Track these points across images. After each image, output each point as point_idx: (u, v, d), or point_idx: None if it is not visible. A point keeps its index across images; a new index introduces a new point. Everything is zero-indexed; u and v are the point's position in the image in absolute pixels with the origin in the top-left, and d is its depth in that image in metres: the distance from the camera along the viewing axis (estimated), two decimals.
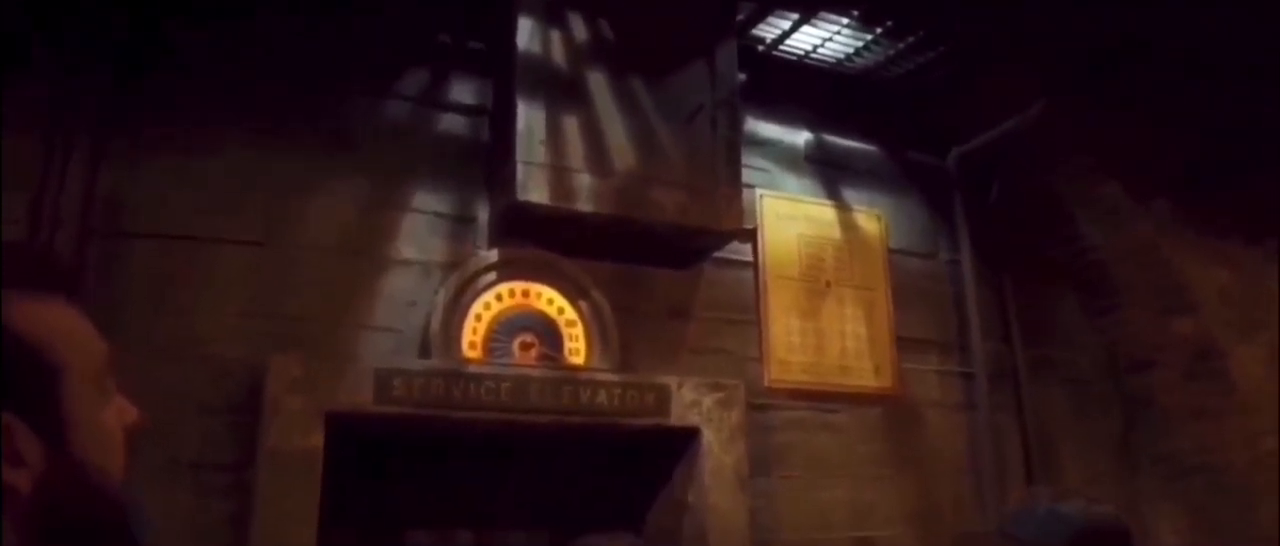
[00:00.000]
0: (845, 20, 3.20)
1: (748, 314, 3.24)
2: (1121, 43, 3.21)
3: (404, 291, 2.76)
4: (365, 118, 2.85)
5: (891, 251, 3.57)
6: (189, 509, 2.35)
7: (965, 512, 3.38)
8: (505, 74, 2.89)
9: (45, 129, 2.40)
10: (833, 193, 3.54)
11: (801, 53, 3.39)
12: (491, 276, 2.81)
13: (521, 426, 2.64)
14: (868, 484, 3.26)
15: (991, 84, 3.48)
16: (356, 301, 2.70)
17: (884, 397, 3.37)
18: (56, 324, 0.75)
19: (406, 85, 2.94)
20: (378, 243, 2.77)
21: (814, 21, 3.20)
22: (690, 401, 2.82)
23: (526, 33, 2.85)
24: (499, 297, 2.80)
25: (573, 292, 2.89)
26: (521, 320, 2.80)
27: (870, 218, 3.58)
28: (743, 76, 3.22)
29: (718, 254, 3.19)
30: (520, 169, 2.71)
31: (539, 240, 2.86)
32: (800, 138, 3.54)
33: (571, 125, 2.83)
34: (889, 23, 3.21)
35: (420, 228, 2.84)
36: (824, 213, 3.49)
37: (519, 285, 2.84)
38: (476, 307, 2.76)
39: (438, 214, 2.87)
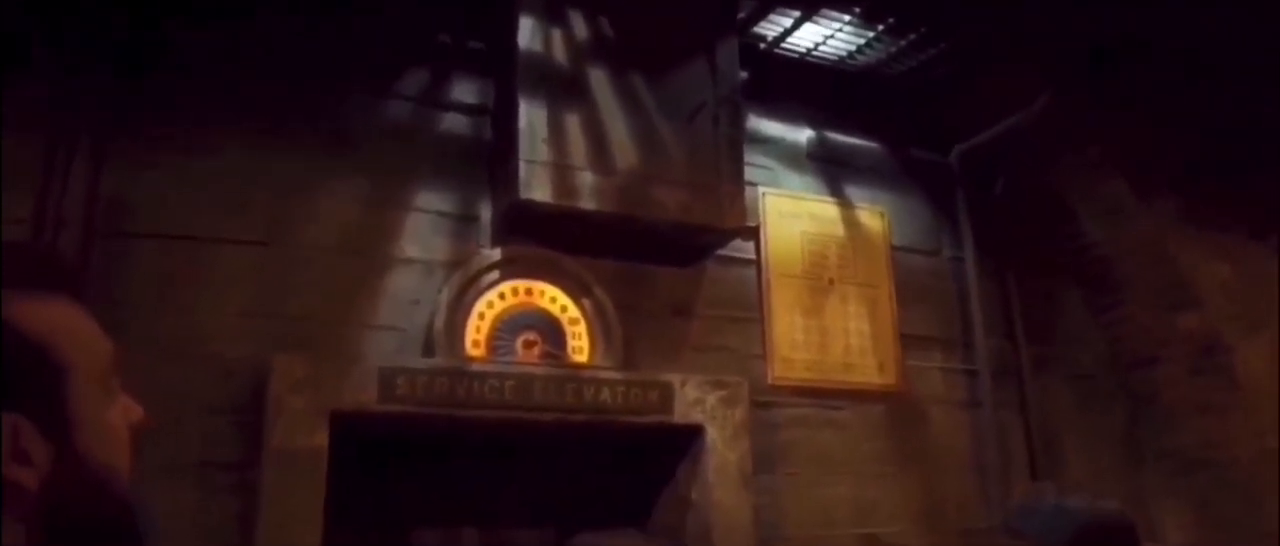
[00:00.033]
0: (847, 17, 3.19)
1: (751, 311, 3.24)
2: (1121, 42, 3.20)
3: (407, 290, 2.76)
4: (367, 117, 2.85)
5: (894, 248, 3.57)
6: (194, 508, 2.36)
7: (969, 509, 3.38)
8: (506, 73, 2.89)
9: (48, 130, 2.40)
10: (835, 190, 3.54)
11: (803, 50, 3.39)
12: (494, 275, 2.81)
13: (525, 424, 2.64)
14: (872, 481, 3.26)
15: (994, 80, 3.48)
16: (360, 300, 2.70)
17: (888, 395, 3.37)
18: (62, 323, 0.75)
19: (408, 85, 2.94)
20: (381, 242, 2.78)
21: (815, 19, 3.20)
22: (694, 399, 2.82)
23: (527, 31, 2.85)
24: (502, 296, 2.80)
25: (576, 290, 2.89)
26: (525, 318, 2.81)
27: (873, 215, 3.58)
28: (744, 74, 3.22)
29: (720, 252, 3.19)
30: (522, 167, 2.71)
31: (542, 238, 2.87)
32: (802, 135, 3.54)
33: (573, 123, 2.83)
34: (891, 20, 3.21)
35: (423, 226, 2.84)
36: (827, 210, 3.49)
37: (522, 283, 2.84)
38: (480, 306, 2.76)
39: (440, 213, 2.87)
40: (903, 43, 3.33)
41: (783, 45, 3.35)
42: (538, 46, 2.86)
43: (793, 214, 3.41)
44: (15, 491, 0.68)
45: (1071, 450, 3.63)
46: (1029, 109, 3.36)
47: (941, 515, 3.34)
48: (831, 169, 3.56)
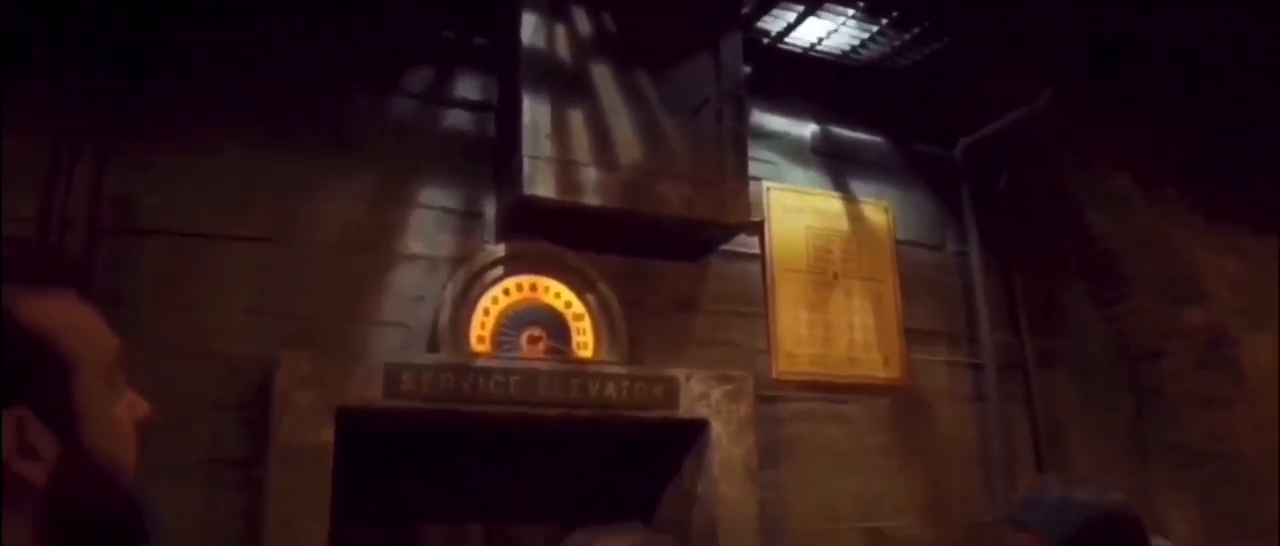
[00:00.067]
0: (851, 12, 3.18)
1: (755, 306, 3.24)
2: (1121, 41, 3.20)
3: (412, 286, 2.77)
4: (371, 115, 2.85)
5: (899, 243, 3.57)
6: (201, 504, 2.36)
7: (974, 503, 3.38)
8: (510, 69, 2.89)
9: (52, 130, 2.40)
10: (839, 184, 3.53)
11: (807, 45, 3.38)
12: (499, 271, 2.82)
13: (530, 419, 2.65)
14: (877, 474, 3.26)
15: (998, 74, 3.47)
16: (365, 297, 2.71)
17: (893, 389, 3.37)
18: (68, 318, 0.76)
19: (411, 82, 2.94)
20: (385, 238, 2.78)
21: (819, 13, 3.19)
22: (699, 393, 2.82)
23: (530, 27, 2.85)
24: (506, 292, 2.81)
25: (580, 286, 2.90)
26: (529, 314, 2.81)
27: (877, 209, 3.57)
28: (748, 69, 3.22)
29: (725, 246, 3.19)
30: (526, 163, 2.71)
31: (546, 234, 2.87)
32: (806, 130, 3.53)
33: (577, 119, 2.83)
34: (894, 14, 3.20)
35: (427, 223, 2.84)
36: (831, 204, 3.49)
37: (526, 279, 2.85)
38: (484, 302, 2.76)
39: (445, 209, 2.88)
40: (906, 37, 3.32)
41: (786, 40, 3.34)
42: (541, 42, 2.86)
43: (797, 209, 3.40)
44: (21, 486, 0.69)
45: (1076, 444, 3.63)
46: (1033, 103, 3.35)
47: (946, 509, 3.34)
48: (835, 163, 3.55)
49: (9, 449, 0.68)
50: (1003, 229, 3.71)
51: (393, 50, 2.93)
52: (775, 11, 3.20)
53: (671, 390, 2.78)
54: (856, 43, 3.36)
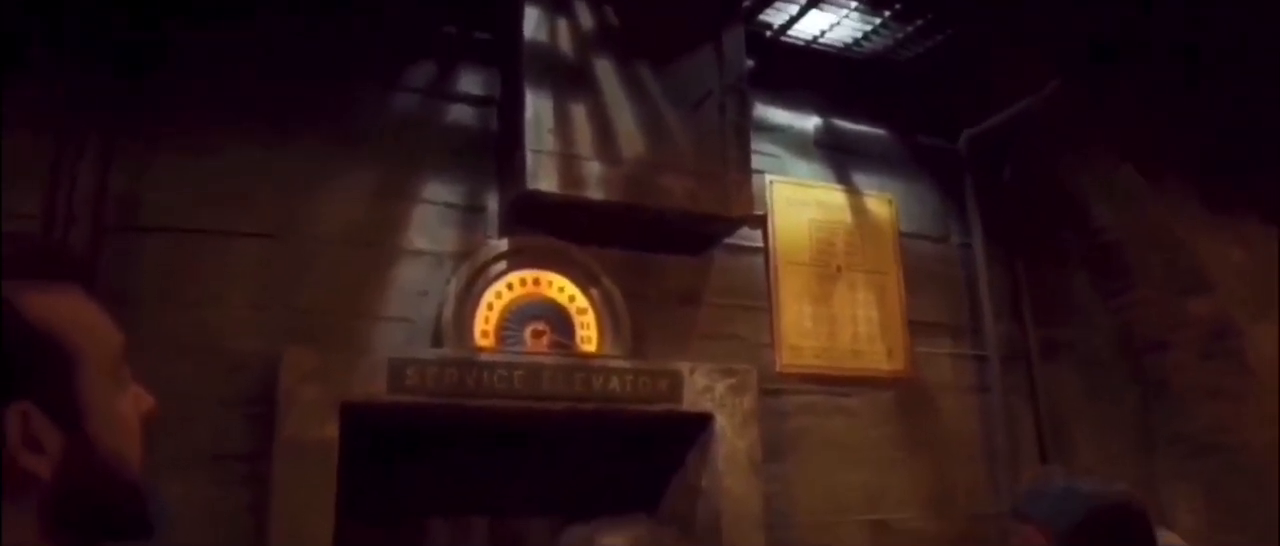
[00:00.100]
0: (853, 4, 3.18)
1: (759, 299, 3.24)
2: (1122, 38, 3.19)
3: (416, 281, 2.77)
4: (373, 110, 2.85)
5: (902, 235, 3.56)
6: (206, 499, 2.37)
7: (979, 495, 3.38)
8: (512, 64, 2.89)
9: (53, 128, 2.41)
10: (843, 177, 3.53)
11: (809, 37, 3.37)
12: (502, 265, 2.82)
13: (534, 414, 2.65)
14: (881, 467, 3.26)
15: (1002, 66, 3.46)
16: (369, 292, 2.71)
17: (897, 381, 3.37)
18: (72, 313, 0.76)
19: (414, 77, 2.94)
20: (389, 234, 2.78)
21: (821, 6, 3.18)
22: (703, 387, 2.82)
23: (533, 22, 2.85)
24: (510, 286, 2.81)
25: (583, 280, 2.90)
26: (533, 308, 2.81)
27: (881, 202, 3.57)
28: (751, 62, 3.21)
29: (728, 240, 3.19)
30: (529, 157, 2.71)
31: (549, 228, 2.87)
32: (809, 122, 3.53)
33: (579, 113, 2.83)
34: (897, 5, 3.19)
35: (431, 218, 2.84)
36: (834, 197, 3.48)
37: (530, 273, 2.85)
38: (488, 296, 2.77)
39: (448, 204, 2.88)
40: (909, 29, 3.31)
41: (788, 33, 3.34)
42: (543, 37, 2.85)
43: (800, 201, 3.40)
44: (27, 479, 0.69)
45: (1081, 435, 3.62)
46: (1037, 94, 3.35)
47: (951, 501, 3.34)
48: (839, 156, 3.54)
49: (14, 443, 0.68)
50: (1007, 221, 3.70)
51: (394, 46, 2.93)
52: (778, 4, 3.19)
53: (675, 384, 2.78)
54: (859, 35, 3.35)
